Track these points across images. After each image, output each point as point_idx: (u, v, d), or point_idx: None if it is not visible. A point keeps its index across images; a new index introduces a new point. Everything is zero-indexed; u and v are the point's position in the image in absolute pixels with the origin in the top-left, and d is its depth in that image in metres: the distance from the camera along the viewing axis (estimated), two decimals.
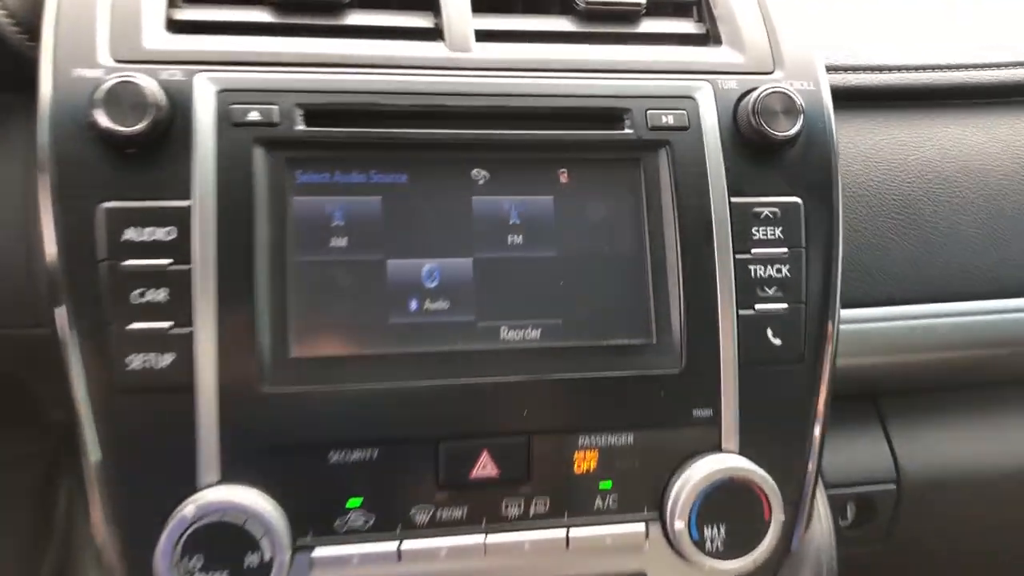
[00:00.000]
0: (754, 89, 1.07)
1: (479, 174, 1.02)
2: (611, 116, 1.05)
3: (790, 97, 1.04)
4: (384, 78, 1.01)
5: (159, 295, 0.90)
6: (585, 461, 0.98)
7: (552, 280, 1.00)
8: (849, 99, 1.23)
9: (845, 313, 1.08)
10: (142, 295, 0.90)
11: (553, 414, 0.98)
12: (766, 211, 1.04)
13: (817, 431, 1.04)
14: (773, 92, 1.04)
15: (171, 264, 0.90)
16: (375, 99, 0.99)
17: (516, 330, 0.99)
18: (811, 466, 1.05)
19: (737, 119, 1.06)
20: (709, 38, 1.16)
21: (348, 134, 0.98)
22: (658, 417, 1.00)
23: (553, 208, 1.02)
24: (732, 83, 1.08)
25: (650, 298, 1.01)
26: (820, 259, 1.05)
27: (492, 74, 1.03)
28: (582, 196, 1.03)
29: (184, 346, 0.87)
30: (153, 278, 0.87)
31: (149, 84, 0.91)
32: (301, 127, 0.97)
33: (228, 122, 0.95)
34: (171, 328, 0.90)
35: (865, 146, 1.28)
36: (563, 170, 1.03)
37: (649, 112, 1.04)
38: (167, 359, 0.90)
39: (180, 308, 0.87)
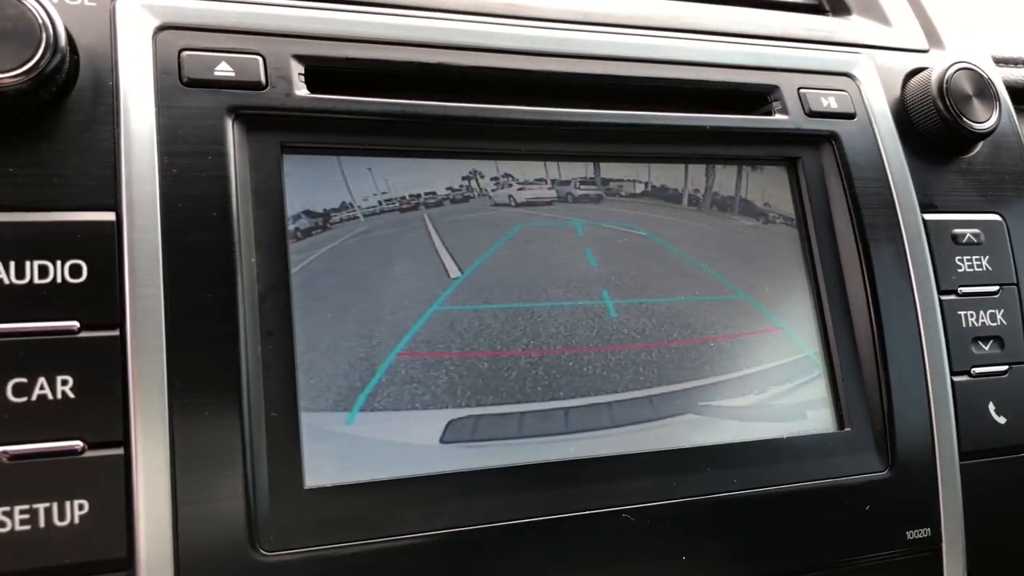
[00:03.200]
0: (922, 68, 0.77)
1: (572, 177, 0.65)
2: (752, 95, 0.72)
3: (983, 76, 0.75)
4: (427, 23, 0.63)
5: (58, 388, 0.48)
6: None
7: (691, 344, 0.64)
8: (1017, 99, 0.93)
9: None
10: (25, 389, 0.47)
11: (720, 557, 0.61)
12: (968, 233, 0.73)
13: None
14: (962, 68, 0.74)
15: (80, 330, 0.48)
16: (417, 54, 0.61)
17: (646, 425, 0.62)
18: None
19: (908, 105, 0.75)
20: (826, 7, 0.85)
21: (381, 107, 0.59)
22: (861, 545, 0.66)
23: (678, 229, 0.67)
24: (891, 59, 0.77)
25: (835, 363, 0.67)
26: None
27: (582, 29, 0.68)
28: (716, 213, 0.68)
29: (108, 484, 0.50)
30: (45, 357, 0.50)
31: (37, 6, 0.50)
32: (302, 92, 0.57)
33: (178, 79, 0.54)
34: (82, 451, 0.48)
35: None
36: (689, 175, 0.68)
37: (804, 92, 0.71)
38: (75, 511, 0.47)
39: (99, 412, 0.51)
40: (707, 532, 0.61)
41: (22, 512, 0.47)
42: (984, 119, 0.74)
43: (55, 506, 0.47)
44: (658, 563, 0.59)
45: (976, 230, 0.74)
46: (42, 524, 0.47)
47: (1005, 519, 0.70)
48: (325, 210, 0.58)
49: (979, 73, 0.75)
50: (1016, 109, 0.85)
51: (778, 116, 0.71)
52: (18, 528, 0.46)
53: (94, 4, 0.55)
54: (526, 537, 0.56)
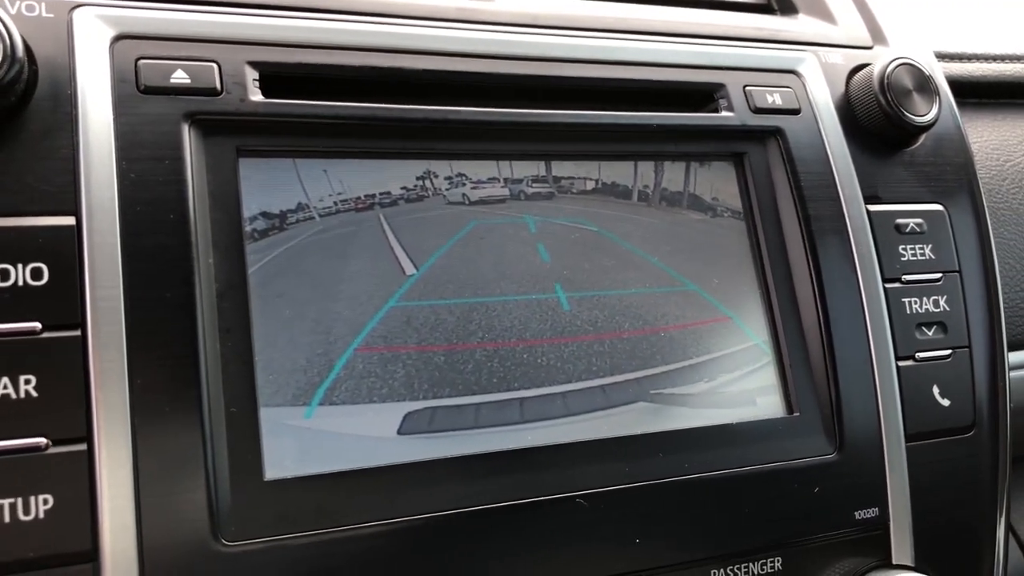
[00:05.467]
0: (865, 64, 0.80)
1: (524, 176, 0.67)
2: (698, 94, 0.74)
3: (923, 71, 0.77)
4: (379, 28, 0.65)
5: (22, 387, 0.50)
6: None
7: (642, 334, 0.66)
8: (961, 93, 0.96)
9: (1013, 358, 0.80)
10: None
11: (674, 539, 0.63)
12: (911, 223, 0.75)
13: (1002, 524, 0.75)
14: (902, 64, 0.77)
15: (42, 331, 0.50)
16: (370, 59, 0.63)
17: (599, 413, 0.64)
18: (999, 574, 0.75)
19: (852, 100, 0.78)
20: (774, 6, 0.87)
21: (334, 110, 0.61)
22: (812, 525, 0.68)
23: (629, 226, 0.69)
24: (836, 56, 0.80)
25: (783, 350, 0.69)
26: (977, 286, 0.77)
27: (532, 32, 0.70)
28: (665, 208, 0.71)
29: (72, 479, 0.52)
30: (8, 357, 0.51)
31: None
32: (257, 97, 0.59)
33: (135, 87, 0.56)
34: (46, 447, 0.50)
35: (988, 145, 1.02)
36: (637, 172, 0.70)
37: (749, 89, 0.74)
38: (40, 505, 0.49)
39: (62, 410, 0.52)
40: (659, 516, 0.63)
41: None
42: (924, 112, 0.77)
43: (20, 501, 0.49)
44: (611, 546, 0.61)
45: (919, 220, 0.77)
46: (7, 519, 0.48)
47: (950, 497, 0.72)
48: (281, 211, 0.59)
49: (919, 68, 0.77)
50: (959, 103, 0.88)
51: (724, 113, 0.73)
52: None
53: (51, 15, 0.57)
54: (482, 523, 0.58)
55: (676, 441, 0.65)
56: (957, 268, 0.77)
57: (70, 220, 0.53)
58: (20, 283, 0.51)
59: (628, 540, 0.62)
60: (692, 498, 0.64)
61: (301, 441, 0.56)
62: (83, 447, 0.51)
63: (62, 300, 0.52)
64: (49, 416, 0.50)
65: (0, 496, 0.48)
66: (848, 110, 0.78)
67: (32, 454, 0.50)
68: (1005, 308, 0.81)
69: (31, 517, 0.49)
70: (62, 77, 0.56)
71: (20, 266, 0.51)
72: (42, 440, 0.50)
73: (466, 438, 0.60)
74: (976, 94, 1.01)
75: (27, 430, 0.50)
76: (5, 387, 0.50)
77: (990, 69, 1.00)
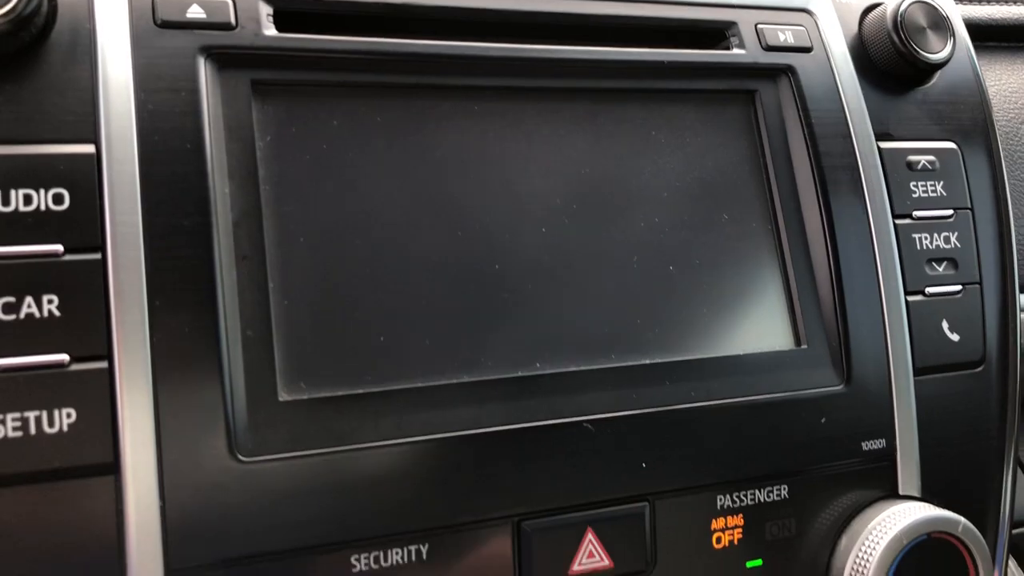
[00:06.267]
0: (879, 3, 0.79)
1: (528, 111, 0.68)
2: (710, 32, 0.74)
3: (937, 8, 0.77)
4: None
5: (44, 307, 0.52)
6: (727, 533, 0.66)
7: (651, 267, 0.67)
8: (980, 36, 0.95)
9: None
10: (14, 307, 0.51)
11: (680, 465, 0.64)
12: (923, 160, 0.75)
13: (1011, 459, 0.75)
14: (916, 2, 0.76)
15: (64, 253, 0.51)
16: None
17: (610, 348, 0.65)
18: (1006, 510, 0.76)
19: (865, 39, 0.77)
20: None
21: (345, 45, 0.62)
22: (818, 455, 0.68)
23: (641, 161, 0.70)
24: None
25: (791, 284, 0.70)
26: (989, 223, 0.77)
27: None
28: (676, 145, 0.71)
29: (94, 395, 0.54)
30: (32, 278, 0.53)
31: None
32: (271, 32, 0.60)
33: (152, 21, 0.58)
34: (68, 364, 0.52)
35: (1007, 88, 1.01)
36: (648, 109, 0.71)
37: (761, 27, 0.74)
38: (64, 419, 0.51)
39: (84, 328, 0.54)
40: (666, 442, 0.64)
41: (14, 420, 0.50)
42: (938, 50, 0.76)
43: (44, 414, 0.51)
44: (618, 471, 0.62)
45: (931, 157, 0.77)
46: (33, 431, 0.51)
47: (958, 431, 0.73)
48: (295, 142, 0.61)
49: (933, 6, 0.77)
50: (977, 46, 0.87)
51: (736, 51, 0.73)
52: (11, 435, 0.50)
53: None
54: (489, 445, 0.60)
55: (683, 370, 0.66)
56: (969, 206, 0.77)
57: (90, 148, 0.55)
58: (43, 207, 0.53)
59: (635, 465, 0.63)
60: (698, 426, 0.65)
61: (315, 364, 0.58)
62: (104, 364, 0.53)
63: (83, 224, 0.54)
64: (71, 334, 0.52)
65: (26, 409, 0.51)
66: (861, 48, 0.78)
67: (55, 370, 0.52)
68: (1018, 248, 0.81)
69: (55, 430, 0.51)
70: (81, 12, 0.57)
71: (43, 191, 0.53)
72: (64, 357, 0.52)
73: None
74: (994, 37, 1.00)
75: (50, 347, 0.52)
76: (29, 306, 0.52)
77: (1010, 12, 0.99)
